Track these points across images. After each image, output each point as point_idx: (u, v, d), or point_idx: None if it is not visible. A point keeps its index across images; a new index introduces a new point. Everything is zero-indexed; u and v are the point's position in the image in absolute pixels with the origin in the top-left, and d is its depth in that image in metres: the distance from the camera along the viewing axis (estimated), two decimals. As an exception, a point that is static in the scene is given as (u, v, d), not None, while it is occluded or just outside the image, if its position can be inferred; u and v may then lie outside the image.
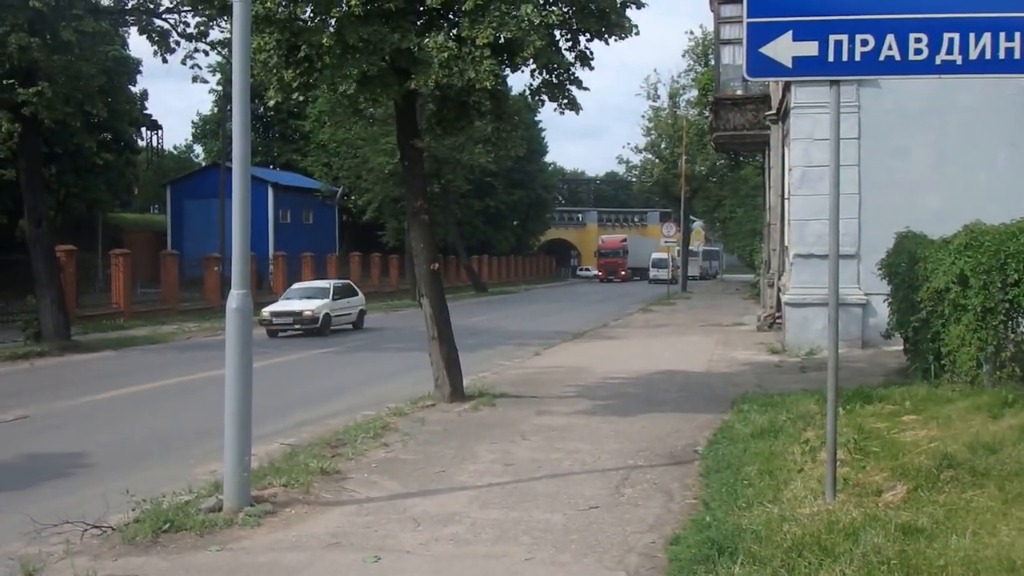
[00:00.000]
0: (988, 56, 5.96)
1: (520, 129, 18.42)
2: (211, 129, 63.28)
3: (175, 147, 76.53)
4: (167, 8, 22.08)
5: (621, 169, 63.70)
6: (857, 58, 6.11)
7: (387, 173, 43.27)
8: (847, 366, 13.36)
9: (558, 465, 8.41)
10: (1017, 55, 5.91)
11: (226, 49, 21.70)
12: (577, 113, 11.74)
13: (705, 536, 5.69)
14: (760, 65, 6.29)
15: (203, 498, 7.18)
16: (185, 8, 21.47)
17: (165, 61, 23.01)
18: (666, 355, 17.91)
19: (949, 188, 16.44)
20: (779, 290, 21.79)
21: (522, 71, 11.11)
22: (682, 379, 14.43)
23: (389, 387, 14.67)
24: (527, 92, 11.70)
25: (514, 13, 9.81)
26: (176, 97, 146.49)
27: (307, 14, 10.48)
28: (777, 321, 21.61)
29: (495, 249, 66.49)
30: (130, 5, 22.62)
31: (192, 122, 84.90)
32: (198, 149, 72.89)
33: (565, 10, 10.63)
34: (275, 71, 10.53)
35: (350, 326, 27.47)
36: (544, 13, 10.04)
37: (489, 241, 64.65)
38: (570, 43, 11.35)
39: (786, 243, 20.87)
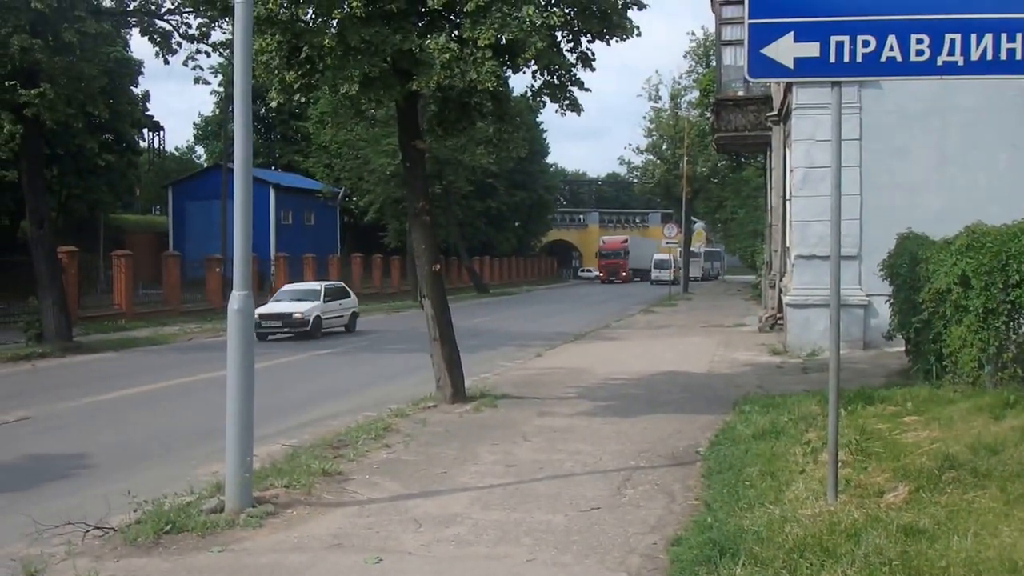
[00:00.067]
0: (989, 57, 5.95)
1: (521, 130, 18.38)
2: (213, 130, 63.33)
3: (177, 148, 76.85)
4: (169, 9, 22.12)
5: (623, 170, 63.91)
6: (859, 59, 6.11)
7: (389, 174, 43.28)
8: (848, 367, 13.34)
9: (560, 466, 8.41)
10: (1018, 56, 5.91)
11: (228, 50, 21.71)
12: (578, 114, 11.76)
13: (707, 537, 5.69)
14: (761, 66, 6.28)
15: (205, 499, 7.18)
16: (187, 9, 21.48)
17: (167, 62, 23.17)
18: (668, 356, 17.91)
19: (950, 189, 16.44)
20: (780, 291, 21.78)
21: (523, 72, 11.12)
22: (684, 380, 14.43)
23: (390, 388, 14.68)
24: (528, 93, 11.70)
25: (516, 14, 9.82)
26: (178, 98, 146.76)
27: (309, 15, 10.48)
28: (779, 322, 21.60)
29: (497, 250, 66.50)
30: (132, 6, 22.66)
31: (194, 123, 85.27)
32: (200, 150, 73.08)
33: (566, 11, 10.63)
34: (277, 72, 10.54)
35: (342, 329, 26.84)
36: (546, 14, 10.05)
37: (491, 242, 64.66)
38: (571, 44, 11.36)
39: (787, 244, 20.88)
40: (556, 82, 11.32)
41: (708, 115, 34.47)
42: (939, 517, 5.62)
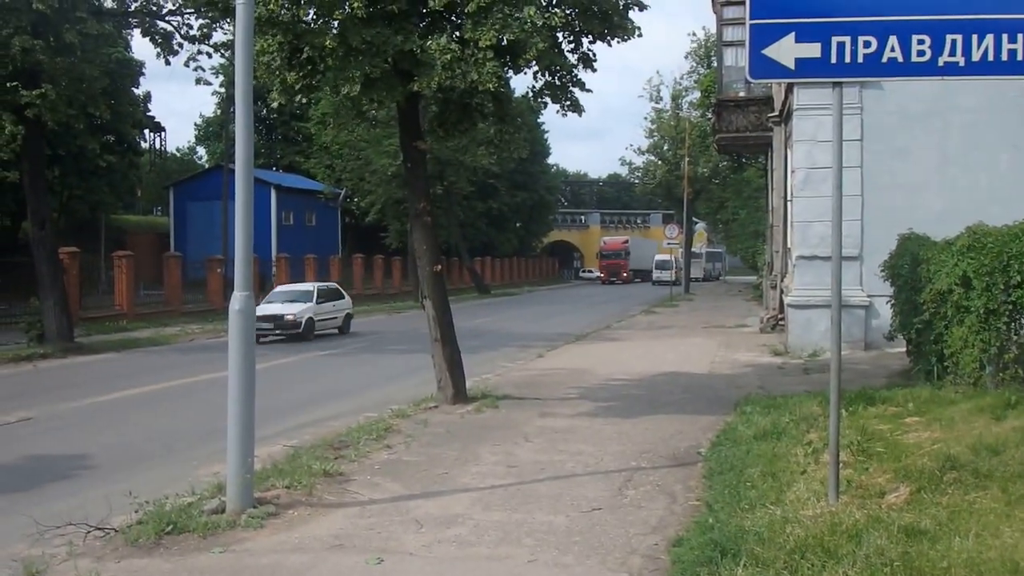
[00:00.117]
0: (991, 58, 5.95)
1: (523, 131, 18.36)
2: (214, 131, 63.32)
3: (178, 149, 76.81)
4: (170, 10, 22.12)
5: (624, 171, 64.02)
6: (860, 60, 6.10)
7: (390, 175, 43.31)
8: (850, 368, 13.35)
9: (561, 467, 8.41)
10: (1020, 57, 5.91)
11: (229, 51, 21.71)
12: (580, 115, 11.75)
13: (708, 538, 5.69)
14: (763, 67, 6.28)
15: (206, 500, 7.18)
16: (188, 10, 21.49)
17: (168, 63, 23.23)
18: (669, 357, 17.91)
19: (951, 190, 16.44)
20: (782, 292, 21.78)
21: (525, 73, 11.12)
22: (685, 381, 14.43)
23: (391, 389, 14.68)
24: (530, 94, 11.70)
25: (517, 15, 9.83)
26: (179, 99, 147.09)
27: (310, 16, 10.49)
28: (780, 323, 21.60)
29: (498, 251, 66.51)
30: (133, 7, 22.69)
31: (195, 124, 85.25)
32: (201, 151, 73.07)
33: (568, 12, 10.64)
34: (278, 73, 10.54)
35: (336, 331, 26.30)
36: (547, 15, 10.06)
37: (492, 243, 64.67)
38: (573, 45, 11.37)
39: (789, 245, 20.87)
40: (557, 83, 11.32)
41: (709, 116, 34.46)
42: (940, 518, 5.62)
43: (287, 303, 24.93)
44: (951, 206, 15.07)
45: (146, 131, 50.44)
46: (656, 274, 67.82)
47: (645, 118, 57.78)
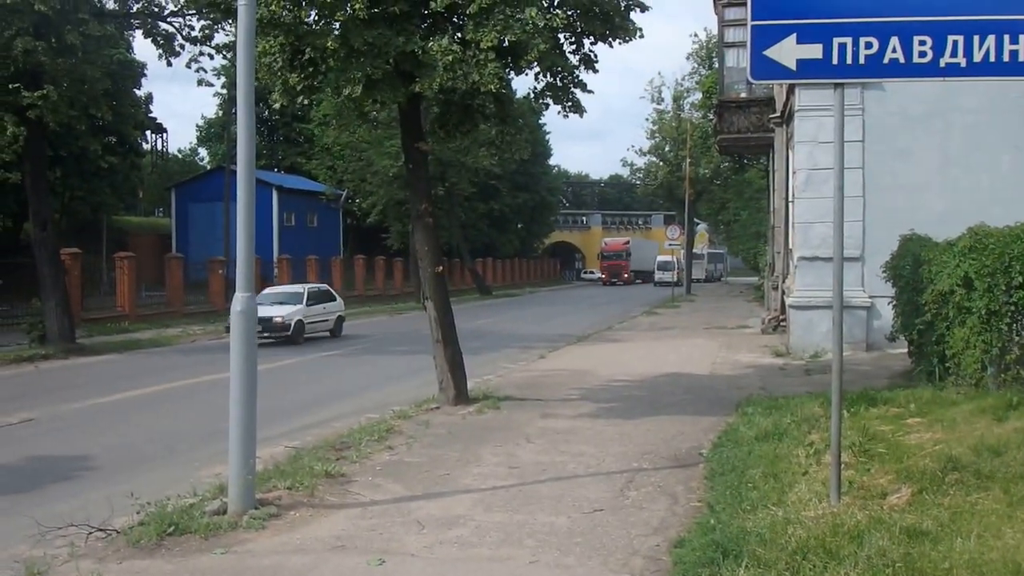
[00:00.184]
0: (992, 59, 5.95)
1: (524, 132, 18.43)
2: (216, 132, 63.38)
3: (180, 150, 76.85)
4: (172, 12, 22.12)
5: (625, 172, 64.17)
6: (861, 60, 6.10)
7: (391, 176, 43.30)
8: (851, 369, 13.35)
9: (563, 468, 8.41)
10: (1021, 57, 5.90)
11: (231, 52, 21.72)
12: (581, 116, 11.76)
13: (709, 539, 5.69)
14: (764, 68, 6.28)
15: (207, 501, 7.18)
16: (190, 12, 21.51)
17: (170, 64, 23.08)
18: (670, 358, 17.90)
19: (953, 191, 16.44)
20: (783, 293, 21.78)
21: (526, 74, 11.14)
22: (686, 382, 14.42)
23: (393, 390, 14.68)
24: (531, 95, 11.71)
25: (518, 16, 9.83)
26: (181, 100, 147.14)
27: (311, 18, 10.49)
28: (781, 324, 21.59)
29: (499, 252, 66.53)
30: (135, 9, 22.67)
31: (196, 125, 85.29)
32: (203, 152, 73.10)
33: (569, 13, 10.65)
34: (279, 74, 10.55)
35: (327, 334, 25.59)
36: (548, 16, 10.06)
37: (493, 244, 64.70)
38: (574, 46, 11.37)
39: (790, 246, 20.86)
40: (559, 84, 11.33)
41: (711, 117, 34.46)
42: (942, 519, 5.62)
43: (276, 305, 24.04)
44: (953, 207, 15.07)
45: (148, 132, 50.46)
46: (658, 275, 67.92)
47: (646, 119, 57.91)
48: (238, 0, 7.05)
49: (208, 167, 63.54)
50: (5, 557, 6.40)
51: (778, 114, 22.78)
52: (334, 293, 27.76)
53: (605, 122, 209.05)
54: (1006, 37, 5.92)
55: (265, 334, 22.91)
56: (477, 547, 6.14)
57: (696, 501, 7.13)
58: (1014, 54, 5.91)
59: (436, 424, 10.75)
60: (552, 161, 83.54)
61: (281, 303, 24.29)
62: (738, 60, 24.06)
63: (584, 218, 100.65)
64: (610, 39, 11.12)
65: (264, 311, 23.36)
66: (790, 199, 20.61)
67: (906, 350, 13.71)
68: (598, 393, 13.30)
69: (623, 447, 9.28)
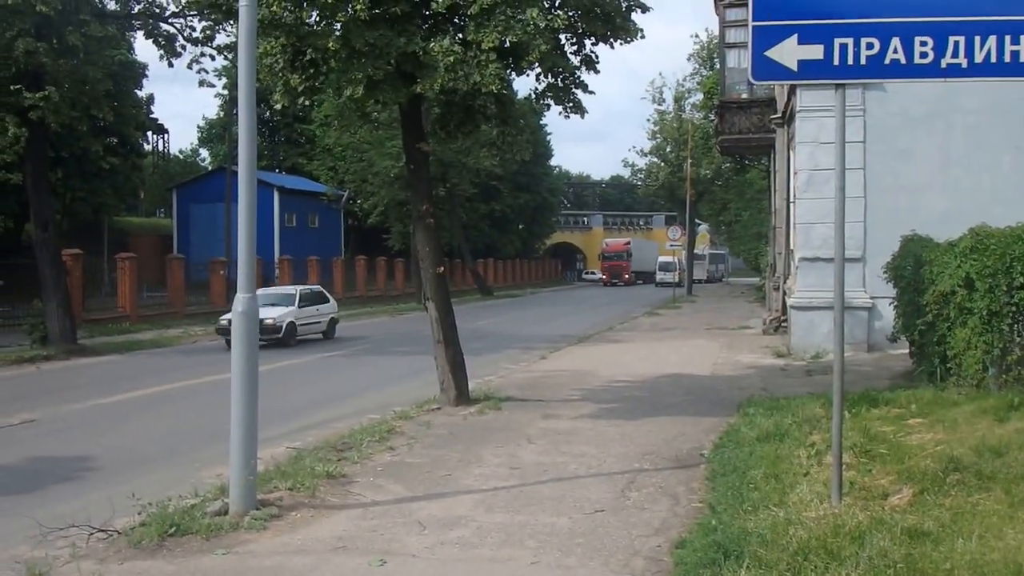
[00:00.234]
0: (994, 59, 5.95)
1: (525, 133, 18.37)
2: (217, 133, 63.40)
3: (181, 151, 76.80)
4: (173, 12, 22.10)
5: (626, 173, 64.17)
6: (862, 61, 6.10)
7: (393, 177, 43.29)
8: (853, 369, 13.34)
9: (564, 469, 8.41)
10: (1022, 58, 5.90)
11: (232, 53, 21.71)
12: (582, 117, 11.76)
13: (711, 540, 5.69)
14: (765, 68, 6.28)
15: (209, 502, 7.18)
16: (191, 13, 21.45)
17: (171, 65, 23.03)
18: (672, 359, 17.90)
19: (954, 191, 16.44)
20: (784, 293, 21.77)
21: (527, 75, 11.16)
22: (688, 383, 14.42)
23: (394, 391, 14.68)
24: (532, 96, 11.73)
25: (520, 17, 9.83)
26: (182, 101, 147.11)
27: (313, 18, 10.50)
28: (783, 324, 21.58)
29: (500, 253, 66.53)
30: (136, 10, 22.68)
31: (198, 126, 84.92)
32: (204, 153, 73.09)
33: (570, 14, 10.66)
34: (281, 75, 10.56)
35: (320, 336, 25.21)
36: (550, 17, 10.06)
37: (494, 245, 64.68)
38: (575, 47, 11.38)
39: (791, 246, 20.86)
40: (560, 85, 11.34)
41: (712, 117, 34.46)
42: (943, 519, 5.62)
43: (267, 307, 22.55)
44: (954, 207, 15.07)
45: (149, 133, 50.46)
46: (660, 276, 67.92)
47: (648, 120, 58.17)
48: (239, 1, 7.06)
49: (209, 168, 63.57)
50: (7, 558, 6.41)
51: (779, 115, 22.78)
52: (327, 295, 27.39)
53: (606, 123, 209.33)
54: (1007, 38, 5.92)
55: None
56: (478, 548, 6.14)
57: (697, 502, 7.13)
58: (1015, 55, 5.91)
59: (437, 425, 10.76)
60: (553, 162, 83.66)
61: (273, 304, 23.80)
62: (739, 61, 24.07)
63: (585, 219, 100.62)
64: (611, 40, 11.13)
65: None
66: (791, 200, 20.61)
67: (907, 351, 13.71)
68: (599, 394, 13.29)
69: (624, 448, 9.28)
